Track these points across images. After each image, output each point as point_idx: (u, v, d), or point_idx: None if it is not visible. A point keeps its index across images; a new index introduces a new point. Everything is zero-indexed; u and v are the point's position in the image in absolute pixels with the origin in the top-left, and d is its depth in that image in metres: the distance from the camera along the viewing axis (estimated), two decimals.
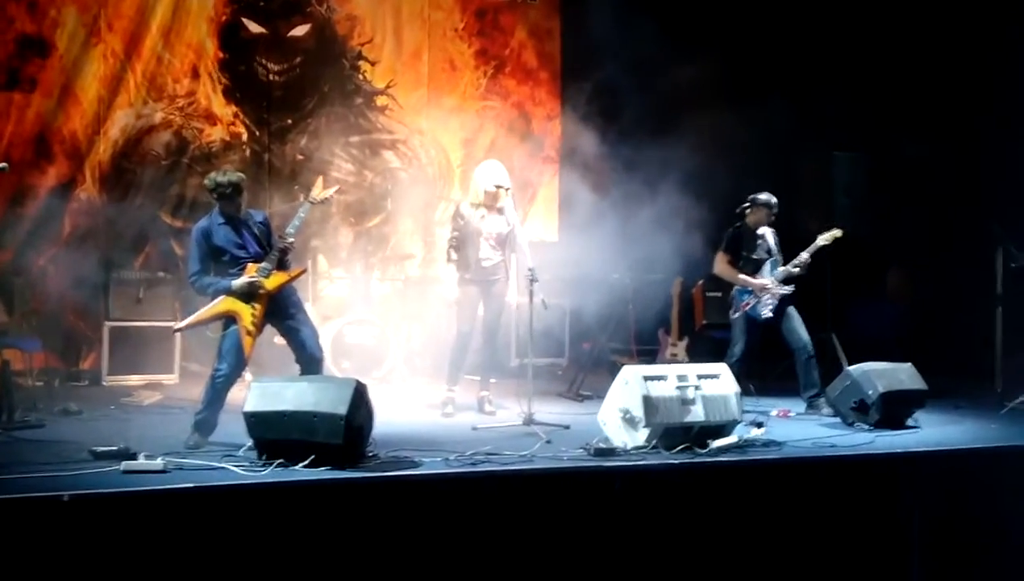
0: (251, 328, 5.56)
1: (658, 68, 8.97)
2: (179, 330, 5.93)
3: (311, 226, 8.77)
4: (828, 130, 9.30)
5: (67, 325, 8.43)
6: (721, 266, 7.51)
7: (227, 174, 5.75)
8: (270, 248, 5.74)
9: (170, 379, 8.04)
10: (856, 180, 9.12)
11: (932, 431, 6.34)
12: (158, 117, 8.93)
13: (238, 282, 5.59)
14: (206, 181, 5.78)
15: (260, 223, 5.83)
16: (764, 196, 7.46)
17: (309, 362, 5.77)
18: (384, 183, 9.78)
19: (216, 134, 9.17)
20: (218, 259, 5.70)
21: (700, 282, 9.20)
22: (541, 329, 6.59)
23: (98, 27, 8.66)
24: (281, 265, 5.70)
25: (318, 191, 5.93)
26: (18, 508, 4.03)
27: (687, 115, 8.90)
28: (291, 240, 5.80)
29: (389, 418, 6.15)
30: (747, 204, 7.51)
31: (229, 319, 5.60)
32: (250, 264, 5.64)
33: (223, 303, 5.59)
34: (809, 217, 8.43)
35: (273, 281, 5.65)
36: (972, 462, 5.65)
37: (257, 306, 5.59)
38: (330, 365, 7.44)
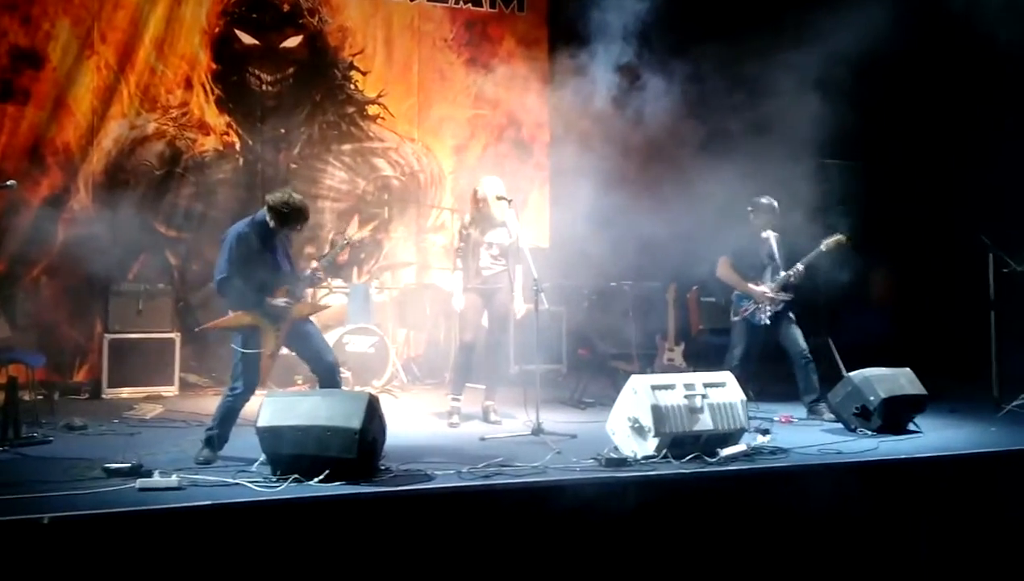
0: (272, 349, 5.58)
1: (647, 75, 9.00)
2: (202, 330, 5.93)
3: (305, 233, 8.74)
4: (819, 138, 9.36)
5: (61, 336, 8.39)
6: (723, 270, 7.51)
7: (301, 198, 5.69)
8: (292, 267, 5.77)
9: (169, 391, 8.04)
10: (847, 188, 9.19)
11: (934, 436, 6.40)
12: (151, 128, 8.92)
13: (272, 302, 5.57)
14: (277, 194, 5.65)
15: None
16: (765, 200, 7.48)
17: (326, 371, 5.77)
18: (376, 191, 9.78)
19: (209, 144, 9.16)
20: (248, 267, 5.60)
21: (695, 287, 9.24)
22: (539, 335, 6.63)
23: (91, 39, 8.65)
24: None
25: (355, 230, 5.95)
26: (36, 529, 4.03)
27: (678, 121, 8.94)
28: (322, 273, 5.86)
29: (395, 429, 6.12)
30: (749, 208, 7.52)
31: (250, 333, 5.56)
32: (282, 287, 5.63)
33: (251, 317, 5.56)
34: (802, 225, 8.48)
35: (301, 309, 5.72)
36: (978, 466, 5.71)
37: (281, 329, 5.61)
38: None
